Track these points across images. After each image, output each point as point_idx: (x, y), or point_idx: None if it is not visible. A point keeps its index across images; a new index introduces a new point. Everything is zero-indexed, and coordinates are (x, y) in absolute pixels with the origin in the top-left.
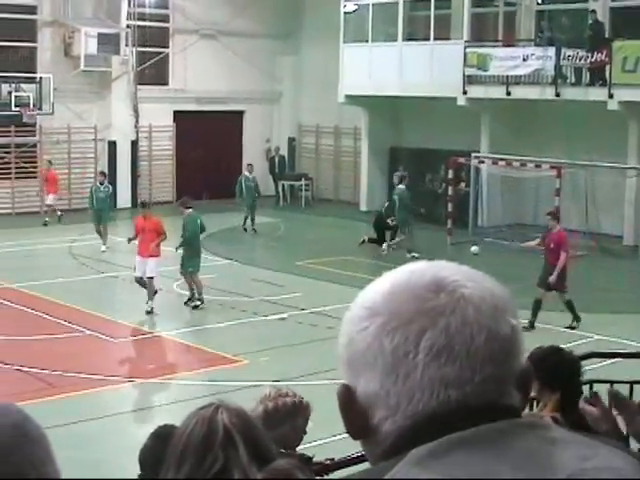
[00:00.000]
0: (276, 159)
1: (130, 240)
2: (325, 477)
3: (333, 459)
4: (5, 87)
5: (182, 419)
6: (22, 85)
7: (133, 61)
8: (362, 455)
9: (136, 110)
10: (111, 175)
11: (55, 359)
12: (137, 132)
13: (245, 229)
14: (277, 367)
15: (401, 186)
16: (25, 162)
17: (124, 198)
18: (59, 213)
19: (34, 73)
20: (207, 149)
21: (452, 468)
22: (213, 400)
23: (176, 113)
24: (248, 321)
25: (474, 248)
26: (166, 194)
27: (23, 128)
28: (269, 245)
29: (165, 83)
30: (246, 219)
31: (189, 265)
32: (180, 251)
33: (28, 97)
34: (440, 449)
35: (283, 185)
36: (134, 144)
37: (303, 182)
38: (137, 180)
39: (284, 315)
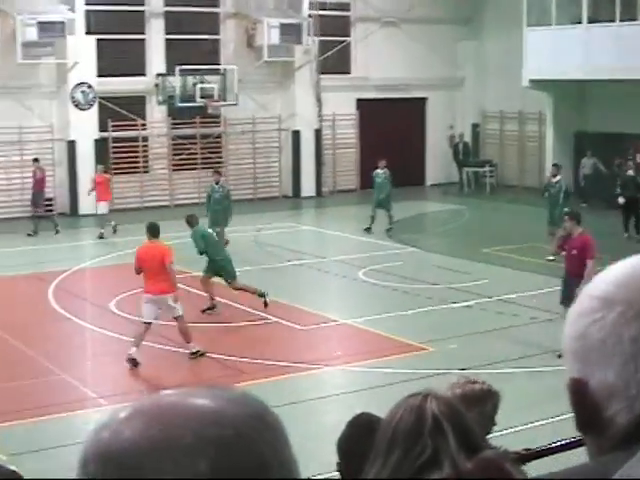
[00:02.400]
0: (460, 146)
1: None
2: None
3: (529, 449)
4: (190, 79)
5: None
6: (206, 77)
7: (315, 50)
8: (560, 445)
9: (319, 99)
10: (295, 164)
11: (243, 346)
12: (320, 121)
13: (368, 229)
14: (464, 355)
15: (558, 177)
16: (210, 153)
17: (309, 187)
18: (113, 223)
19: (218, 65)
20: (390, 137)
21: None
22: (421, 389)
23: (359, 101)
24: (434, 309)
25: None
26: (350, 182)
27: (208, 119)
28: (453, 232)
29: (347, 72)
30: (373, 219)
31: (223, 274)
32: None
33: (212, 89)
34: None
35: (467, 172)
36: (318, 133)
37: (487, 168)
38: (321, 169)
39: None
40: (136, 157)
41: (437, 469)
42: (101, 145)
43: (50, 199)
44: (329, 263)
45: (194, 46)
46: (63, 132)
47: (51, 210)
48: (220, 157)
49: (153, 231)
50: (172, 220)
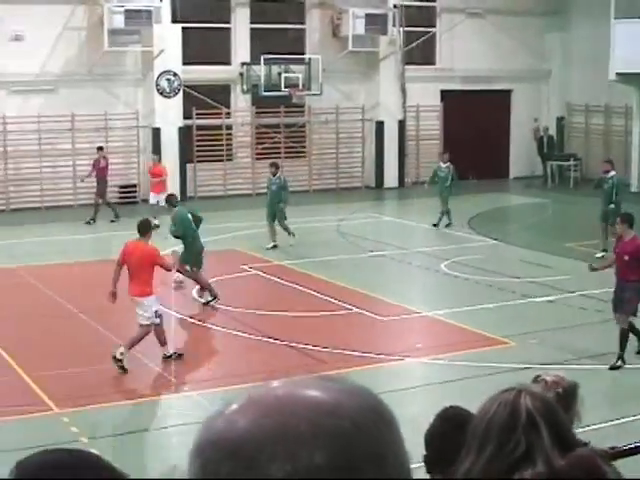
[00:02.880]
0: (544, 139)
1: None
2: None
3: (614, 447)
4: (275, 68)
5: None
6: (291, 66)
7: (400, 41)
8: None
9: (403, 90)
10: (378, 155)
11: (324, 336)
12: (404, 112)
13: (436, 224)
14: (544, 350)
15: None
16: (294, 142)
17: (391, 178)
18: (156, 222)
19: (303, 54)
20: (474, 129)
21: None
22: (514, 384)
23: (443, 92)
24: (515, 302)
25: None
26: None
27: (292, 108)
28: (536, 226)
29: (432, 63)
30: (442, 215)
31: (189, 261)
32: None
33: (297, 78)
34: None
35: (551, 165)
36: (401, 124)
37: (572, 162)
38: (404, 160)
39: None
40: (220, 145)
41: (530, 465)
42: (185, 133)
43: (134, 185)
44: (411, 255)
45: (279, 35)
46: (148, 119)
47: (134, 197)
48: (303, 146)
49: (140, 229)
50: (254, 209)
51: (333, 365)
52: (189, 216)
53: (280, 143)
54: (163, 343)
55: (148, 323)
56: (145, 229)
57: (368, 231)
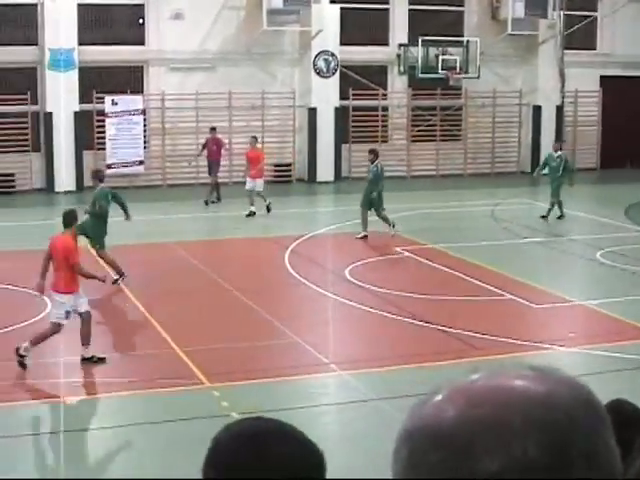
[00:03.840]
0: None
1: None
2: None
3: None
4: (432, 50)
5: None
6: (449, 48)
7: (560, 25)
8: None
9: (562, 75)
10: (534, 140)
11: (475, 321)
12: (562, 97)
13: (544, 216)
14: None
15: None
16: (450, 125)
17: None
18: (252, 209)
19: (461, 37)
20: (633, 116)
21: None
22: None
23: (602, 78)
24: None
25: None
26: (590, 161)
27: (448, 91)
28: None
29: (592, 48)
30: (552, 206)
31: (97, 242)
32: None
33: (454, 60)
34: None
35: None
36: (559, 109)
37: None
38: (561, 146)
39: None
40: (375, 127)
41: None
42: (341, 113)
43: (289, 164)
44: (565, 242)
45: (437, 17)
46: (304, 99)
47: (289, 177)
48: (459, 130)
49: (64, 220)
50: (408, 191)
51: (483, 351)
52: (109, 197)
53: (435, 126)
54: (85, 343)
55: (55, 321)
56: (70, 221)
57: (522, 217)
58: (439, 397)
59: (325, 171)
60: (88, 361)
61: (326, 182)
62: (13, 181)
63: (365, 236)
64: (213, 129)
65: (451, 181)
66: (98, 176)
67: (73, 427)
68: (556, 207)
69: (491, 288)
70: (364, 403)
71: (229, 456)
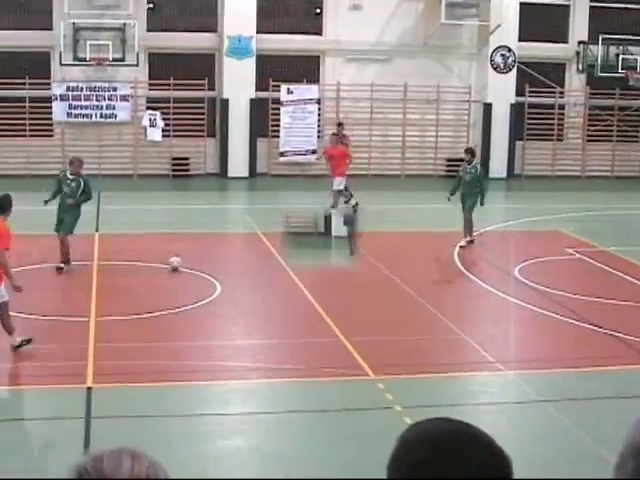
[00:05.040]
0: None
1: None
2: None
3: None
4: (613, 49)
5: None
6: (630, 48)
7: None
8: None
9: None
10: None
11: None
12: None
13: None
14: None
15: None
16: (628, 126)
17: None
18: (353, 201)
19: None
20: None
21: None
22: None
23: None
24: None
25: None
26: None
27: (627, 91)
28: None
29: None
30: None
31: (70, 228)
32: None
33: (635, 60)
34: None
35: None
36: None
37: None
38: None
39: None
40: (551, 124)
41: None
42: (517, 110)
43: (462, 160)
44: None
45: (619, 15)
46: (480, 94)
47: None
48: (638, 131)
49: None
50: (582, 192)
51: None
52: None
53: (613, 126)
54: (9, 332)
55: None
56: (3, 206)
57: None
58: None
59: (498, 167)
60: (18, 348)
61: (498, 178)
62: (188, 164)
63: (471, 241)
64: (339, 124)
65: (627, 183)
66: (82, 163)
67: (242, 410)
68: None
69: None
70: (529, 404)
71: (417, 456)
